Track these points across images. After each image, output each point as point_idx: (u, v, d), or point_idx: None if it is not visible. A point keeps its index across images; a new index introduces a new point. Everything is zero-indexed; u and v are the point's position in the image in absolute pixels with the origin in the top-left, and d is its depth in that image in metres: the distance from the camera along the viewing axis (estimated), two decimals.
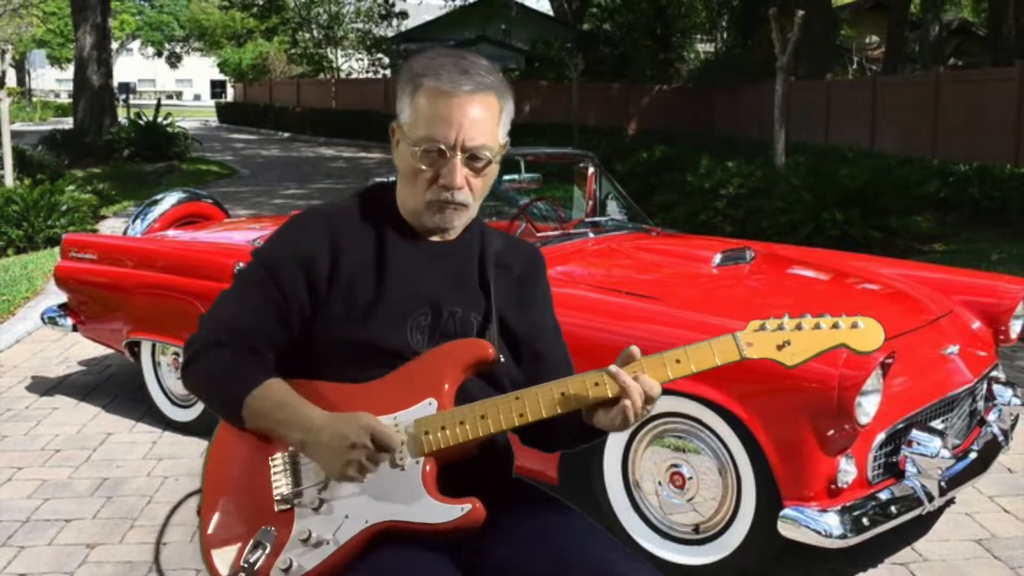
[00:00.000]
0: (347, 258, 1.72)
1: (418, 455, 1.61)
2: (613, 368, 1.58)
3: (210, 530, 1.68)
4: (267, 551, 1.61)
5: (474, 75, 1.67)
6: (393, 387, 1.66)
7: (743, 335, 1.59)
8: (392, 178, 1.84)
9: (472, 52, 1.76)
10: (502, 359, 1.72)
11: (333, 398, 1.66)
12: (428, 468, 1.61)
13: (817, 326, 1.57)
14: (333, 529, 1.60)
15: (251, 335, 1.71)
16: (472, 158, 1.68)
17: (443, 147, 1.66)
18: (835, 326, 1.56)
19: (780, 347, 1.57)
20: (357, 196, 1.83)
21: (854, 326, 1.56)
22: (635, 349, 1.62)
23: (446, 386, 1.64)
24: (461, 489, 1.62)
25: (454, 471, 1.65)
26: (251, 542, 1.63)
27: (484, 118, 1.68)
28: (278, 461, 1.66)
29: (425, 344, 1.71)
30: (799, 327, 1.57)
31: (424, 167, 1.68)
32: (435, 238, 1.78)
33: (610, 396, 1.58)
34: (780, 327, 1.58)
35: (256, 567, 1.60)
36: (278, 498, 1.64)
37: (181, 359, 1.77)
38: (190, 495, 1.85)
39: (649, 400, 1.59)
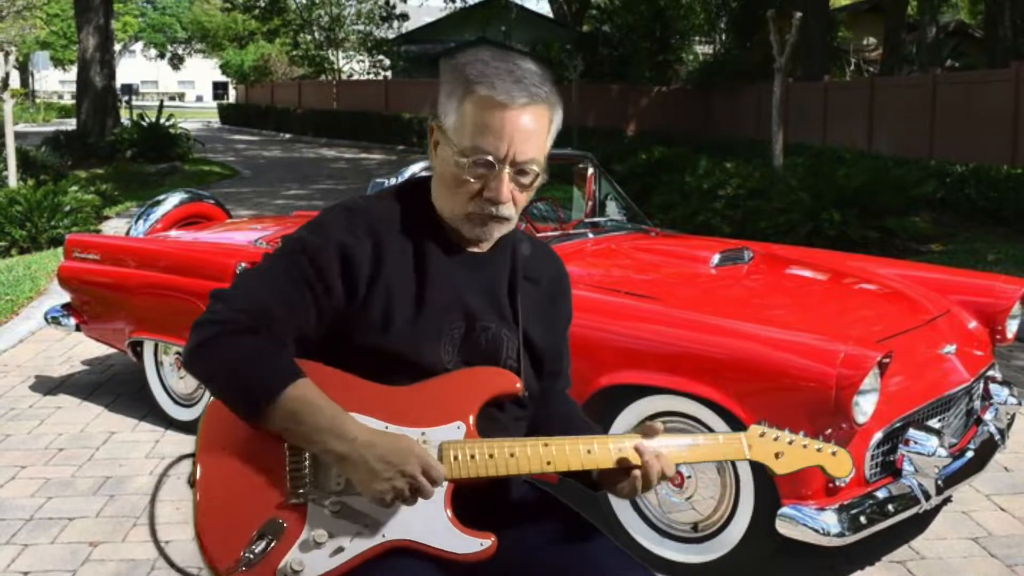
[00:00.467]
0: (388, 263, 1.64)
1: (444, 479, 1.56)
2: (643, 443, 1.61)
3: (206, 507, 1.55)
4: (273, 545, 1.51)
5: (528, 86, 1.59)
6: (421, 400, 1.60)
7: (746, 436, 1.69)
8: (428, 173, 1.76)
9: (521, 55, 1.67)
10: (526, 393, 1.69)
11: (354, 394, 1.57)
12: (449, 495, 1.58)
13: (804, 446, 1.71)
14: (350, 537, 1.54)
15: (282, 324, 1.58)
16: (520, 172, 1.62)
17: (492, 160, 1.59)
18: (818, 449, 1.71)
19: (777, 456, 1.69)
20: (395, 193, 1.73)
21: (832, 453, 1.71)
22: (659, 426, 1.65)
23: (472, 413, 1.61)
24: (481, 510, 1.61)
25: (476, 492, 1.62)
26: (256, 531, 1.52)
27: (535, 131, 1.61)
28: (298, 452, 1.56)
29: (455, 356, 1.66)
30: (791, 443, 1.71)
31: (471, 179, 1.60)
32: (471, 248, 1.71)
33: (632, 464, 1.62)
34: (776, 439, 1.70)
35: (261, 559, 1.50)
36: (295, 492, 1.54)
37: (189, 339, 1.59)
38: (181, 459, 1.67)
39: (663, 479, 1.63)
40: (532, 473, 1.60)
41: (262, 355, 1.54)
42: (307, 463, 1.56)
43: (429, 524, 1.56)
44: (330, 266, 1.60)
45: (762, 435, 1.69)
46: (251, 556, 1.51)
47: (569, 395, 1.90)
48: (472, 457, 1.57)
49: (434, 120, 1.66)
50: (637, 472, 1.60)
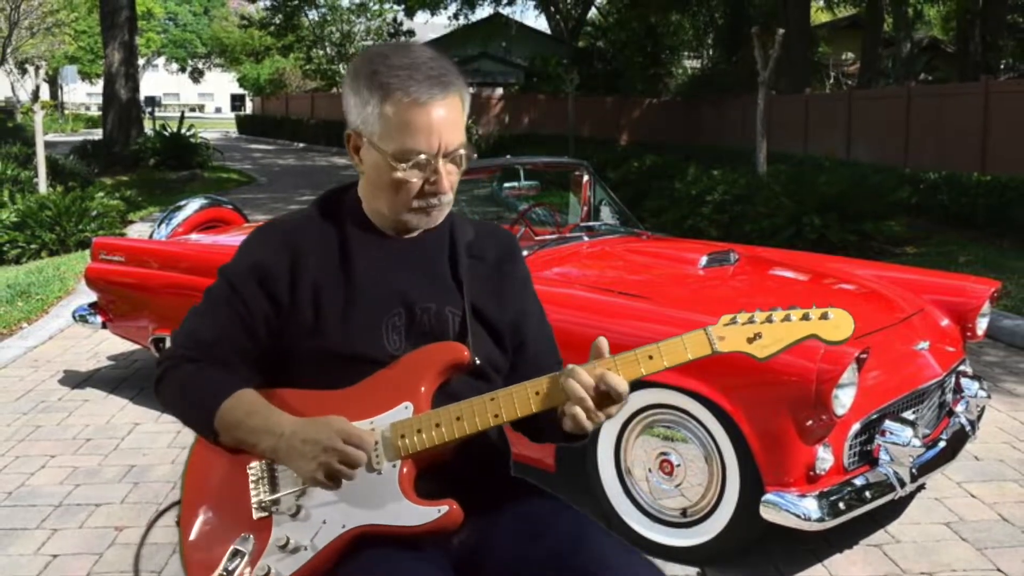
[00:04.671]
0: (310, 268, 1.60)
1: (394, 459, 1.51)
2: (573, 368, 1.48)
3: (189, 539, 1.60)
4: (245, 558, 1.52)
5: (439, 79, 1.54)
6: (369, 392, 1.56)
7: (715, 329, 1.49)
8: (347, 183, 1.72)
9: (418, 47, 1.61)
10: (478, 361, 1.59)
11: (308, 406, 1.55)
12: (405, 471, 1.52)
13: (787, 318, 1.47)
14: (311, 535, 1.52)
15: (219, 348, 1.60)
16: (452, 161, 1.58)
17: (426, 158, 1.54)
18: (805, 317, 1.47)
19: (751, 340, 1.48)
20: (315, 204, 1.70)
21: (823, 316, 1.46)
22: (603, 342, 1.52)
23: (422, 389, 1.54)
24: (454, 488, 1.54)
25: (447, 470, 1.56)
26: (229, 550, 1.54)
27: (456, 118, 1.56)
28: (255, 469, 1.57)
29: (403, 344, 1.60)
30: (769, 320, 1.48)
31: (411, 179, 1.56)
32: (404, 236, 1.66)
33: (581, 392, 1.47)
34: (750, 320, 1.48)
35: (233, 574, 1.52)
36: (255, 505, 1.55)
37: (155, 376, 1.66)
38: (170, 507, 1.76)
39: (616, 398, 1.48)
40: (482, 429, 1.51)
41: (200, 380, 1.59)
42: (262, 476, 1.57)
43: (385, 504, 1.51)
44: (247, 286, 1.60)
45: (731, 321, 1.49)
46: (224, 573, 1.52)
47: (548, 357, 1.75)
48: (419, 432, 1.51)
49: (351, 128, 1.61)
50: (570, 405, 1.47)
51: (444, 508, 1.50)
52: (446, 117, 1.54)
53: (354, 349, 1.57)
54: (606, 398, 1.48)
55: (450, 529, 1.52)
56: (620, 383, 1.47)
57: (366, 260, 1.62)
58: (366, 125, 1.57)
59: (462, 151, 1.59)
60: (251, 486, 1.57)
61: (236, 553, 1.54)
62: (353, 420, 1.52)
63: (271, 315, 1.60)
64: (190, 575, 1.58)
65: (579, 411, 1.47)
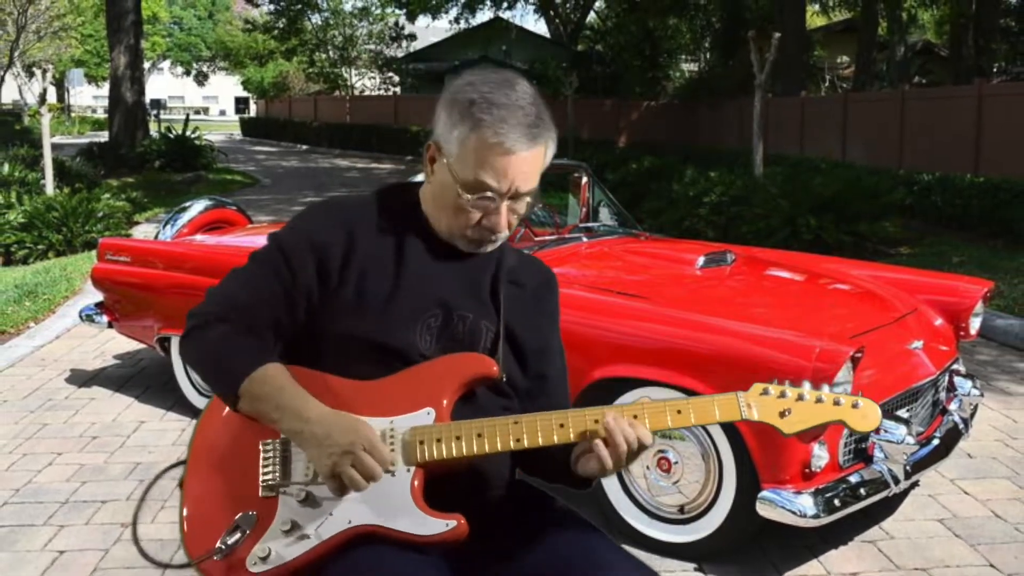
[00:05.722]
0: (362, 251, 1.59)
1: (410, 463, 1.49)
2: (617, 415, 1.47)
3: (190, 505, 1.58)
4: (245, 535, 1.50)
5: (532, 128, 1.53)
6: (394, 390, 1.53)
7: (746, 396, 1.49)
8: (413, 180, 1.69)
9: (519, 80, 1.57)
10: (504, 377, 1.58)
11: (332, 392, 1.53)
12: (416, 481, 1.49)
13: (819, 400, 1.47)
14: (316, 524, 1.49)
15: (255, 314, 1.57)
16: (517, 200, 1.57)
17: (492, 195, 1.54)
18: (836, 403, 1.46)
19: (782, 415, 1.48)
20: (376, 193, 1.69)
21: (854, 406, 1.46)
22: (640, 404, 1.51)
23: (445, 399, 1.52)
24: (459, 491, 1.52)
25: (457, 483, 1.54)
26: (231, 524, 1.51)
27: (535, 167, 1.56)
28: (270, 447, 1.54)
29: (433, 345, 1.58)
30: (801, 398, 1.47)
31: (472, 210, 1.56)
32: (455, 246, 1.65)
33: (603, 435, 1.48)
34: (782, 395, 1.48)
35: (233, 550, 1.49)
36: (264, 484, 1.53)
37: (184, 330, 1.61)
38: (174, 465, 1.71)
39: (641, 449, 1.48)
40: (502, 451, 1.49)
41: (232, 343, 1.55)
42: (275, 457, 1.54)
43: (394, 509, 1.48)
44: (300, 256, 1.58)
45: (764, 392, 1.48)
46: (223, 547, 1.50)
47: (563, 395, 1.76)
48: (438, 440, 1.48)
49: (433, 140, 1.60)
50: (601, 446, 1.46)
51: (452, 523, 1.47)
52: (526, 165, 1.54)
53: (386, 340, 1.56)
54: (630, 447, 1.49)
55: (455, 543, 1.49)
56: (647, 435, 1.47)
57: (415, 258, 1.62)
58: (448, 144, 1.56)
59: (528, 198, 1.58)
60: (262, 463, 1.54)
61: (237, 528, 1.51)
62: (374, 415, 1.50)
63: (314, 291, 1.58)
64: (188, 544, 1.55)
65: (606, 455, 1.47)
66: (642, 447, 1.48)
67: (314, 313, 1.59)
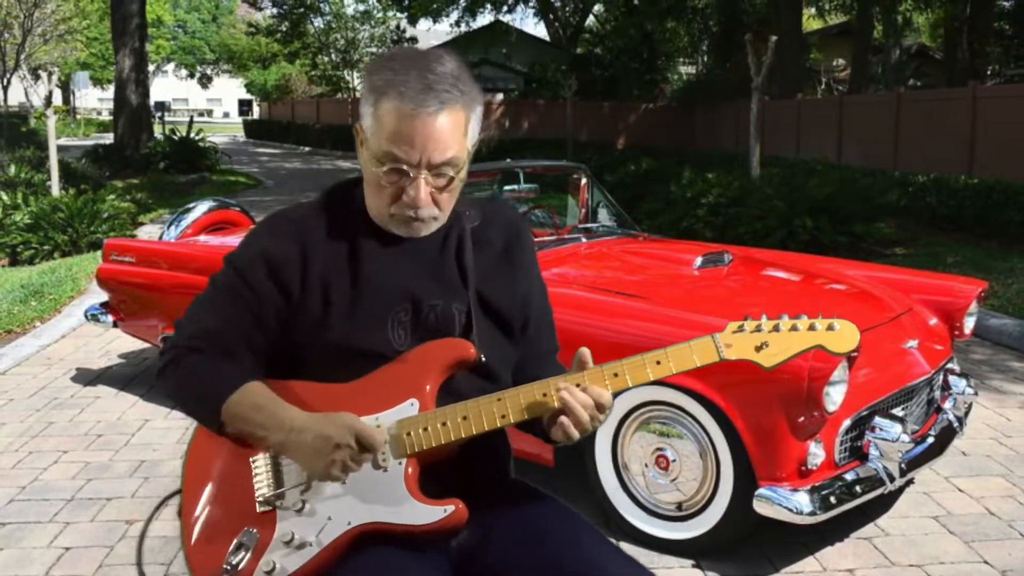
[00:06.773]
0: (318, 261, 1.54)
1: (400, 456, 1.47)
2: (567, 384, 1.46)
3: (192, 531, 1.55)
4: (249, 553, 1.48)
5: (439, 91, 1.44)
6: (375, 388, 1.51)
7: (722, 336, 1.46)
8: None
9: (437, 56, 1.49)
10: (483, 358, 1.53)
11: (314, 399, 1.51)
12: (411, 469, 1.48)
13: (794, 327, 1.44)
14: (316, 531, 1.48)
15: (225, 338, 1.54)
16: (438, 175, 1.48)
17: (405, 167, 1.46)
18: (811, 328, 1.44)
19: (758, 348, 1.45)
20: (324, 196, 1.63)
21: (830, 328, 1.44)
22: (586, 353, 1.48)
23: (428, 386, 1.50)
24: (455, 489, 1.50)
25: (448, 470, 1.52)
26: (233, 543, 1.50)
27: (450, 134, 1.46)
28: (260, 462, 1.53)
29: (408, 340, 1.54)
30: (776, 328, 1.45)
31: (386, 184, 1.49)
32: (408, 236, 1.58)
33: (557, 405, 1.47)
34: (758, 328, 1.45)
35: (239, 568, 1.47)
36: (260, 499, 1.51)
37: (157, 365, 1.59)
38: (170, 496, 1.70)
39: (600, 409, 1.46)
40: (488, 429, 1.47)
41: (207, 371, 1.53)
42: (266, 471, 1.53)
43: (391, 502, 1.47)
44: (255, 274, 1.54)
45: (739, 329, 1.45)
46: (228, 567, 1.48)
47: (553, 359, 1.71)
48: (425, 429, 1.47)
49: (358, 122, 1.54)
50: (564, 418, 1.45)
51: (450, 508, 1.46)
52: (436, 131, 1.45)
53: (360, 344, 1.52)
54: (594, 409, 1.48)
55: (455, 529, 1.48)
56: (603, 394, 1.47)
57: (373, 255, 1.56)
58: (364, 119, 1.51)
59: (450, 169, 1.48)
60: (255, 479, 1.53)
61: (240, 546, 1.50)
62: (359, 415, 1.48)
63: (281, 305, 1.54)
64: (194, 568, 1.54)
65: (569, 424, 1.46)
66: (601, 408, 1.47)
67: (286, 325, 1.55)
